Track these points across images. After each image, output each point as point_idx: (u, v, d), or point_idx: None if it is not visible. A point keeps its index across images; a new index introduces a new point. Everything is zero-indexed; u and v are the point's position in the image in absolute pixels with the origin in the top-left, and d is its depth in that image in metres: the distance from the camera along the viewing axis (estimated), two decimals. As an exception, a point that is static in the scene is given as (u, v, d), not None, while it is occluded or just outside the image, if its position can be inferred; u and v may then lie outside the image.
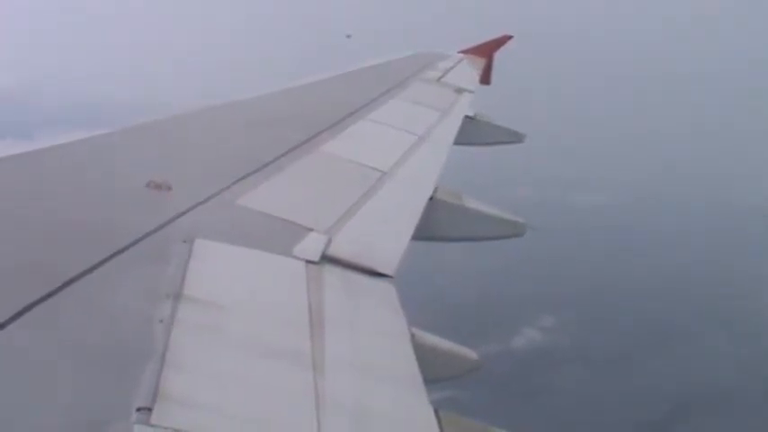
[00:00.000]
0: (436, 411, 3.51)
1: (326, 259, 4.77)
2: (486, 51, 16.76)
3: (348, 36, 67.98)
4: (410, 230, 5.79)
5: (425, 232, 6.29)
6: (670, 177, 63.36)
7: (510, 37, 17.46)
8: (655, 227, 53.55)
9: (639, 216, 55.28)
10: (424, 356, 4.08)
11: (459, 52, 16.48)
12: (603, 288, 43.41)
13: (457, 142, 9.45)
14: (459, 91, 12.52)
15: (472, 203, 7.50)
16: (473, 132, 10.97)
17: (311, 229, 5.14)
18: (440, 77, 13.29)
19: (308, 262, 4.64)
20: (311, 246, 4.86)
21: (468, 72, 14.88)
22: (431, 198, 6.82)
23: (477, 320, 38.72)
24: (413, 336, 4.23)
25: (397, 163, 7.34)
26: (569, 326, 40.88)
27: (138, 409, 2.80)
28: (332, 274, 4.62)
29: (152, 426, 2.74)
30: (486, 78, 15.97)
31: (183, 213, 4.86)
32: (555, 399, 33.64)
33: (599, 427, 31.27)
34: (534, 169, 57.37)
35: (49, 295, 3.45)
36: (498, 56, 16.88)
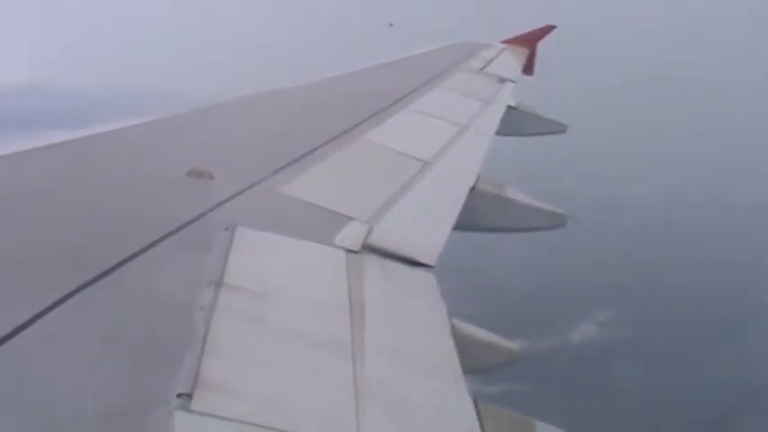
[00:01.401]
0: (475, 402, 3.49)
1: (367, 248, 4.76)
2: (530, 41, 16.66)
3: (390, 25, 67.84)
4: (451, 220, 5.76)
5: (467, 222, 6.26)
6: (717, 174, 62.75)
7: (554, 27, 17.33)
8: (704, 224, 53.01)
9: (688, 212, 54.72)
10: (464, 347, 4.06)
11: (501, 42, 16.40)
12: (658, 283, 43.02)
13: (499, 133, 9.41)
14: (502, 81, 12.46)
15: (514, 194, 7.46)
16: (515, 123, 10.90)
17: (352, 219, 5.13)
18: (482, 67, 13.23)
19: (349, 251, 4.63)
20: (352, 235, 4.85)
21: (511, 62, 14.79)
22: (472, 188, 6.79)
23: (534, 314, 38.55)
24: (453, 326, 4.22)
25: (438, 153, 7.31)
26: (625, 321, 40.48)
27: (179, 395, 2.81)
28: (372, 263, 4.61)
29: (192, 412, 2.75)
30: (529, 69, 15.88)
31: (225, 201, 4.87)
32: (614, 394, 33.38)
33: (659, 423, 30.99)
34: (581, 163, 57.02)
35: (92, 281, 3.47)
36: (542, 46, 16.78)
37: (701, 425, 31.87)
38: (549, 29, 17.27)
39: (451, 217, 5.84)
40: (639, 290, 42.23)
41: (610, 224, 49.18)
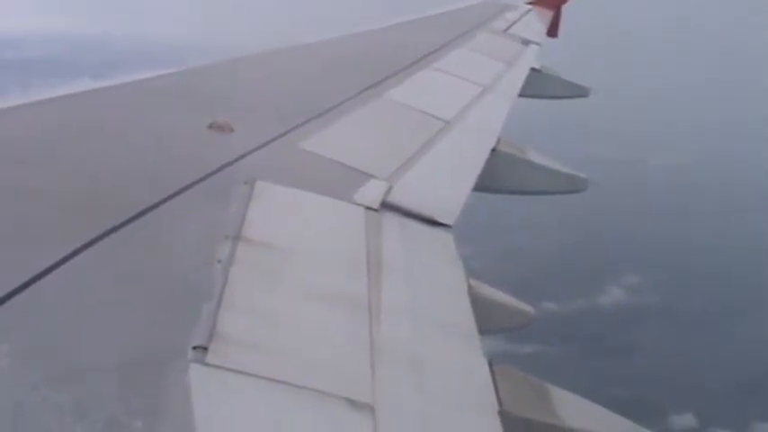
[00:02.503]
0: (490, 363, 3.49)
1: (386, 206, 4.75)
2: (555, 3, 16.52)
3: None
4: (471, 181, 5.74)
5: (487, 184, 6.25)
6: (742, 138, 62.25)
7: None
8: (735, 189, 52.67)
9: (719, 176, 54.37)
10: (481, 307, 4.05)
11: (526, 3, 16.27)
12: (686, 249, 42.88)
13: (522, 94, 9.37)
14: (526, 42, 12.39)
15: (535, 156, 7.44)
16: (538, 85, 10.86)
17: (372, 176, 5.11)
18: (506, 28, 13.14)
19: (368, 208, 4.62)
20: (371, 192, 4.84)
21: (536, 24, 14.70)
22: (493, 149, 6.76)
23: (561, 278, 38.74)
24: (470, 286, 4.21)
25: (460, 113, 7.27)
26: (654, 285, 40.50)
27: (194, 348, 2.81)
28: (391, 221, 4.60)
29: (207, 365, 2.76)
30: (553, 31, 15.78)
31: (245, 155, 4.86)
32: (643, 358, 33.45)
33: (688, 387, 31.01)
34: (607, 127, 56.77)
35: (110, 231, 3.47)
36: (567, 8, 16.64)
37: (731, 390, 31.89)
38: None
39: (472, 177, 5.82)
40: (667, 255, 42.21)
41: (637, 188, 49.11)
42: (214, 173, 4.47)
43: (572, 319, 36.36)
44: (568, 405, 3.66)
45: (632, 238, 44.05)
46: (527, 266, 38.34)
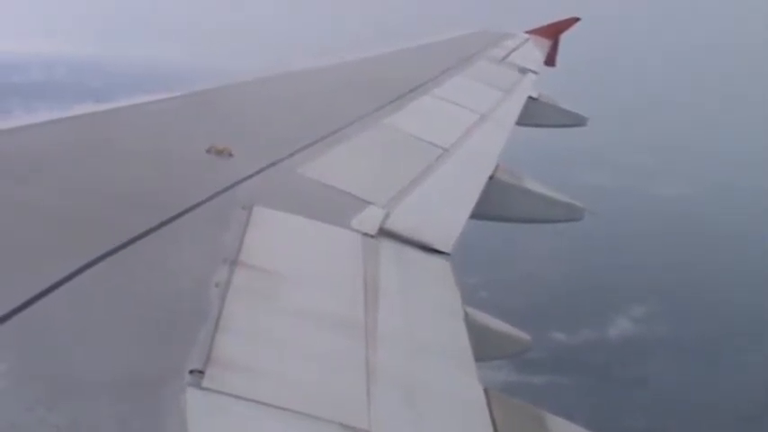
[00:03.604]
0: (486, 390, 3.49)
1: (384, 233, 4.76)
2: (553, 33, 16.63)
3: None
4: (469, 208, 5.76)
5: (484, 211, 6.26)
6: (744, 168, 62.31)
7: (578, 19, 17.27)
8: (734, 217, 52.71)
9: (723, 207, 54.42)
10: (478, 335, 4.06)
11: (525, 32, 16.35)
12: (691, 278, 42.87)
13: (519, 123, 9.40)
14: (523, 71, 12.44)
15: (532, 184, 7.45)
16: (536, 113, 10.90)
17: (370, 203, 5.13)
18: (504, 57, 13.21)
19: (365, 235, 4.63)
20: (369, 219, 4.85)
21: (533, 53, 14.78)
22: (491, 177, 6.78)
23: (570, 307, 38.83)
24: (466, 314, 4.22)
25: (458, 140, 7.30)
26: (661, 316, 40.48)
27: (191, 372, 2.81)
28: (388, 248, 4.61)
29: (203, 389, 2.76)
30: (551, 60, 15.86)
31: (243, 180, 4.87)
32: (651, 390, 33.35)
33: (695, 419, 30.89)
34: (606, 156, 56.86)
35: (109, 254, 3.47)
36: (565, 38, 16.72)
37: (737, 422, 31.77)
38: (573, 21, 17.22)
39: (469, 205, 5.84)
40: (672, 284, 42.20)
41: (638, 217, 49.15)
42: (212, 197, 4.47)
43: (581, 349, 36.43)
44: None
45: (636, 268, 44.10)
46: (534, 296, 38.47)
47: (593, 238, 41.09)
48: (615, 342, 38.47)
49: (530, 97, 10.91)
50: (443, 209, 5.69)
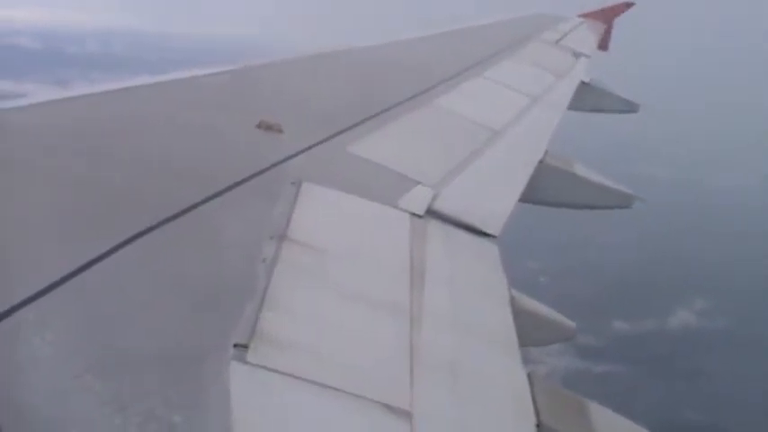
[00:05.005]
0: (529, 376, 3.46)
1: (431, 214, 4.74)
2: (607, 17, 16.49)
3: None
4: (518, 192, 5.72)
5: (532, 195, 6.22)
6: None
7: (632, 4, 17.08)
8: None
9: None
10: (523, 319, 4.03)
11: (579, 16, 16.22)
12: (753, 273, 42.26)
13: (571, 107, 9.33)
14: (577, 55, 12.34)
15: (581, 170, 7.39)
16: (588, 98, 10.81)
17: (419, 182, 5.11)
18: (558, 40, 13.12)
19: (413, 215, 4.61)
20: (417, 199, 4.83)
21: (587, 36, 14.66)
22: (540, 161, 6.73)
23: (630, 297, 38.54)
24: (512, 298, 4.19)
25: (509, 123, 7.26)
26: (722, 310, 39.99)
27: (235, 346, 2.82)
28: (436, 228, 4.59)
29: (247, 363, 2.76)
30: (604, 44, 15.72)
31: (293, 156, 4.87)
32: (715, 383, 33.04)
33: (757, 415, 30.58)
34: (662, 147, 56.23)
35: (157, 226, 3.49)
36: (618, 22, 16.57)
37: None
38: (627, 5, 17.04)
39: (518, 188, 5.80)
40: (735, 279, 41.67)
41: (698, 210, 48.51)
42: (261, 172, 4.48)
43: (643, 339, 36.18)
44: (607, 422, 3.62)
45: (695, 261, 43.57)
46: (595, 284, 38.23)
47: (650, 229, 40.70)
48: (677, 334, 38.11)
49: (582, 81, 10.82)
50: (492, 191, 5.66)
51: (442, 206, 4.86)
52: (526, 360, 3.58)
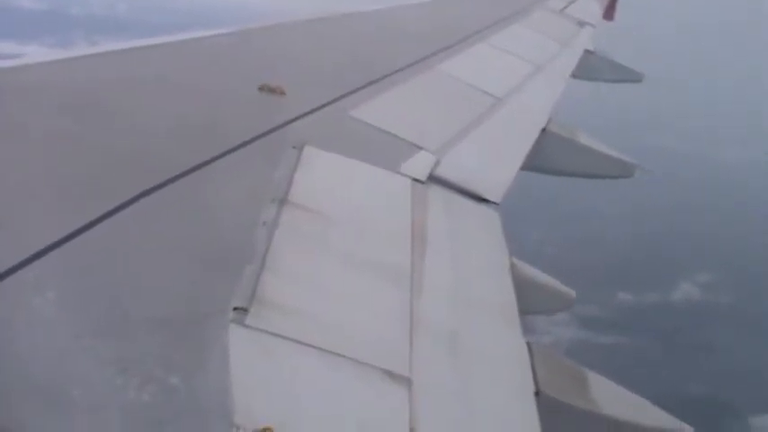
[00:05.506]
0: (529, 344, 3.46)
1: (433, 180, 4.72)
2: (613, -14, 16.35)
3: None
4: (520, 159, 5.70)
5: (535, 163, 6.20)
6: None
7: None
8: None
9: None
10: (522, 287, 4.02)
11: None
12: (759, 248, 42.13)
13: (574, 75, 9.29)
14: (581, 24, 12.27)
15: (584, 139, 7.36)
16: (591, 67, 10.76)
17: (421, 148, 5.08)
18: (563, 8, 13.04)
19: (415, 180, 4.59)
20: (419, 165, 4.81)
21: (592, 6, 14.57)
22: (543, 129, 6.71)
23: (635, 269, 38.54)
24: (513, 265, 4.18)
25: (512, 90, 7.22)
26: (726, 284, 39.90)
27: (235, 309, 2.81)
28: (437, 195, 4.57)
29: (246, 326, 2.75)
30: (609, 14, 15.62)
31: (295, 119, 4.84)
32: (719, 356, 33.06)
33: (760, 388, 30.64)
34: (672, 120, 56.01)
35: (157, 188, 3.47)
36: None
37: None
38: None
39: (520, 156, 5.78)
40: (741, 254, 41.56)
41: (707, 183, 48.33)
42: (263, 135, 4.45)
43: (647, 311, 36.24)
44: (607, 392, 3.63)
45: (701, 234, 43.46)
46: (600, 255, 38.23)
47: (655, 202, 40.60)
48: (681, 307, 38.09)
49: (586, 50, 10.77)
50: (494, 158, 5.64)
51: (444, 172, 4.84)
52: (530, 330, 3.57)
